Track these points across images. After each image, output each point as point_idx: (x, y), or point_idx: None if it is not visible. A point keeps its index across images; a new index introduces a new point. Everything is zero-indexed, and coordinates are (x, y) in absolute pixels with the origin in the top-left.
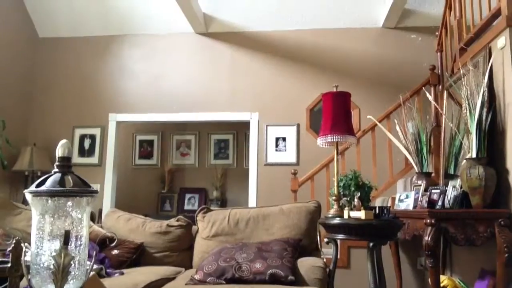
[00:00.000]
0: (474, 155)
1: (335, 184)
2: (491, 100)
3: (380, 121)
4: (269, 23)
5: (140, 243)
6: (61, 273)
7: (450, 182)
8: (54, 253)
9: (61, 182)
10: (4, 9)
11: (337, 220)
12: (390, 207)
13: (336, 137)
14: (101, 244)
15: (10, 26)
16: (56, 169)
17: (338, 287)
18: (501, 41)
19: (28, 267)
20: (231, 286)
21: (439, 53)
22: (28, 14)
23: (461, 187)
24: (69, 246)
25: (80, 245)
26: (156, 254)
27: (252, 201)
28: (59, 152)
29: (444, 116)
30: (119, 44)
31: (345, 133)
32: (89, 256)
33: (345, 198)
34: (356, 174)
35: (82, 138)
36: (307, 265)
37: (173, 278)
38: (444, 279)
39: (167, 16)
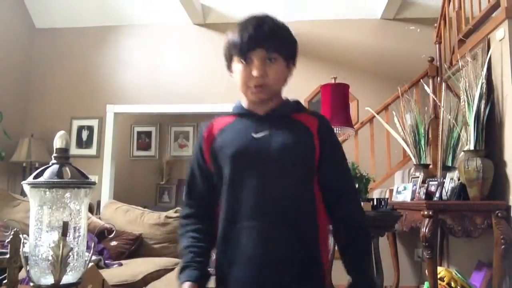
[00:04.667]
0: (472, 147)
1: None
2: (490, 92)
3: (378, 113)
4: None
5: (138, 234)
6: (59, 264)
7: (448, 174)
8: (52, 245)
9: (59, 174)
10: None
11: None
12: (388, 198)
13: (334, 128)
14: (99, 235)
15: (7, 17)
16: (54, 161)
17: (335, 278)
18: (500, 32)
19: (26, 258)
20: None
21: (437, 45)
22: (24, 4)
23: (458, 179)
24: (67, 238)
25: (79, 236)
26: (154, 245)
27: None
28: (56, 143)
29: (442, 108)
30: (116, 34)
31: (343, 124)
32: (88, 248)
33: None
34: (354, 166)
35: (80, 129)
36: None
37: (172, 269)
38: (441, 271)
39: (165, 7)
